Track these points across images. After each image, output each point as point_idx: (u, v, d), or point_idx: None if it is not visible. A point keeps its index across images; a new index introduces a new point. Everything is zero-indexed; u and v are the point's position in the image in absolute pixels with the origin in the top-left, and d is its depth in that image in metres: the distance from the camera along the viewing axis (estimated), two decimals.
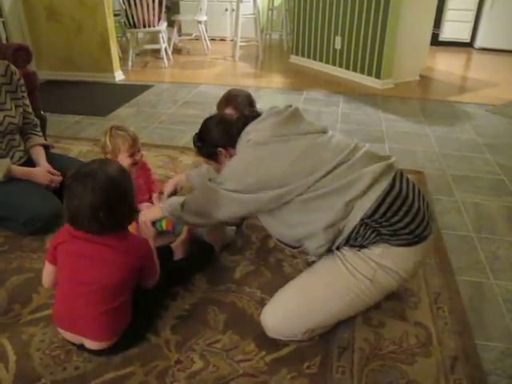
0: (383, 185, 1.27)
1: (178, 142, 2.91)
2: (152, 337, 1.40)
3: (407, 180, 1.35)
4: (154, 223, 1.62)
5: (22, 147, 2.04)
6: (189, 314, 1.49)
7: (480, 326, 1.47)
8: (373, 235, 1.29)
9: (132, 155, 1.81)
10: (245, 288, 1.61)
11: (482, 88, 4.31)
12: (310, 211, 1.30)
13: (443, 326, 1.46)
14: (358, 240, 1.31)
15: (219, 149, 1.47)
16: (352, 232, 1.29)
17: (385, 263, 1.29)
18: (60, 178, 1.98)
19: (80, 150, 2.74)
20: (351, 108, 3.67)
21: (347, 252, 1.34)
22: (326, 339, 1.38)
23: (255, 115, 1.46)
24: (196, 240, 1.75)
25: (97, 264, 1.23)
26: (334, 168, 1.29)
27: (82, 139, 2.95)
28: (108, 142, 1.78)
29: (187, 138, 2.97)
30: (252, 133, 1.40)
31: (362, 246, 1.32)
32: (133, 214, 1.33)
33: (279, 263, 1.74)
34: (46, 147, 2.14)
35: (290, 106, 1.44)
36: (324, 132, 1.43)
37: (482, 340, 1.41)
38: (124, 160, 1.78)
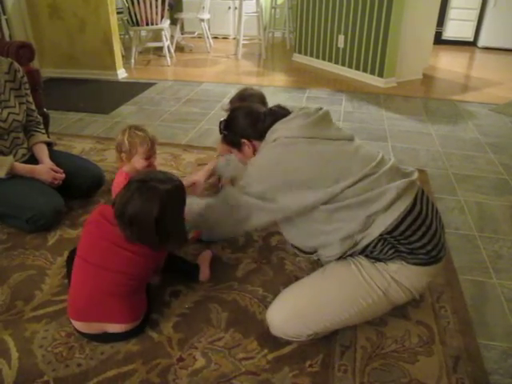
0: (406, 202, 1.27)
1: (181, 140, 2.91)
2: (154, 334, 1.40)
3: (427, 199, 1.35)
4: None
5: (25, 145, 2.04)
6: (191, 311, 1.49)
7: (482, 326, 1.47)
8: (391, 251, 1.29)
9: (148, 158, 1.77)
10: (247, 286, 1.61)
11: (485, 87, 4.29)
12: (333, 222, 1.30)
13: (445, 325, 1.45)
14: (374, 253, 1.31)
15: (243, 140, 1.46)
16: (368, 245, 1.29)
17: (399, 279, 1.30)
18: (63, 176, 1.98)
19: (83, 148, 2.75)
20: (354, 106, 3.66)
21: (363, 261, 1.33)
22: (328, 338, 1.38)
23: (284, 113, 1.44)
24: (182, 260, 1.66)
25: (119, 252, 1.28)
26: (360, 179, 1.28)
27: (84, 137, 2.95)
28: (126, 141, 1.73)
29: (189, 135, 2.97)
30: (278, 131, 1.37)
31: (378, 259, 1.32)
32: (167, 241, 1.32)
33: (281, 261, 1.74)
34: (49, 145, 2.14)
35: (321, 109, 1.42)
36: (351, 140, 1.41)
37: (484, 339, 1.41)
38: (139, 162, 1.75)
